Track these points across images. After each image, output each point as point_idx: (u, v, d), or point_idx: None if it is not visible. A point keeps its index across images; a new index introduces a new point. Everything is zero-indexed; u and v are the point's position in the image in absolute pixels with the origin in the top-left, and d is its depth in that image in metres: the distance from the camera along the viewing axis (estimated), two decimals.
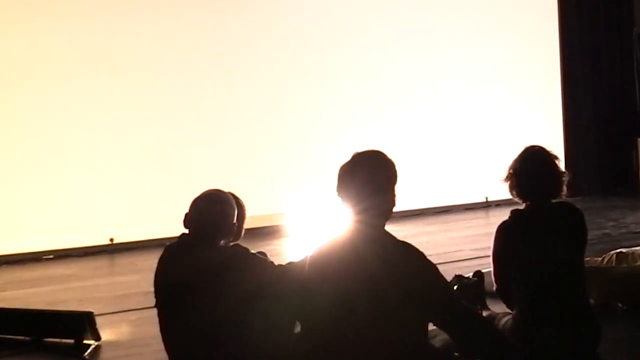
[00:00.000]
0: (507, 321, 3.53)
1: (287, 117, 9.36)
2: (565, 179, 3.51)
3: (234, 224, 3.15)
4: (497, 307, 3.85)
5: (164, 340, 3.08)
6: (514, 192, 3.53)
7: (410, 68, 10.01)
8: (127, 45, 8.59)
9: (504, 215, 3.59)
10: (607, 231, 7.59)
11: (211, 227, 3.05)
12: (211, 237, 3.05)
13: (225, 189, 3.21)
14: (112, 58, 8.51)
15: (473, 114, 10.31)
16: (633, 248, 4.98)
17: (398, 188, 2.72)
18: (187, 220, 3.09)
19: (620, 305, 4.64)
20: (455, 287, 4.21)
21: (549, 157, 3.51)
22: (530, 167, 3.47)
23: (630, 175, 10.38)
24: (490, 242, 3.54)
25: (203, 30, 8.99)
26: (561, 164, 3.57)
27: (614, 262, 4.76)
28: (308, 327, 2.78)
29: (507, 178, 3.54)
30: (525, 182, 3.48)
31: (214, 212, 3.07)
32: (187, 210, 3.12)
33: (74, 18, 8.42)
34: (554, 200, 3.52)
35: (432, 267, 2.67)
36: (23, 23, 8.24)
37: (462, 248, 7.14)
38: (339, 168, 2.75)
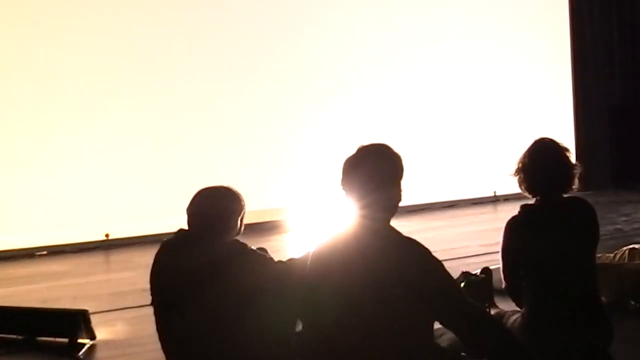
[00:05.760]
0: (515, 320, 3.47)
1: (288, 110, 9.36)
2: (577, 171, 3.43)
3: (238, 223, 3.11)
4: (506, 305, 3.81)
5: (160, 339, 3.05)
6: (524, 187, 3.45)
7: (414, 61, 9.98)
8: (125, 41, 8.61)
9: (512, 210, 3.53)
10: (619, 226, 7.56)
11: (211, 224, 3.02)
12: (210, 233, 3.01)
13: (224, 184, 3.18)
14: (110, 54, 8.54)
15: (481, 105, 10.33)
16: None
17: (404, 182, 2.69)
18: (188, 215, 3.06)
19: (632, 302, 4.58)
20: (462, 285, 4.17)
21: (560, 150, 3.43)
22: (541, 161, 3.40)
23: None
24: (498, 238, 3.48)
25: (203, 25, 8.99)
26: (572, 157, 3.47)
27: (626, 258, 4.73)
28: (310, 325, 2.74)
29: (517, 172, 3.46)
30: (535, 176, 3.41)
31: (216, 209, 3.04)
32: (186, 205, 3.09)
33: (73, 15, 8.42)
34: (565, 195, 3.45)
35: (438, 264, 2.64)
36: (22, 21, 8.23)
37: (469, 244, 7.11)
38: (343, 161, 2.71)
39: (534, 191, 3.44)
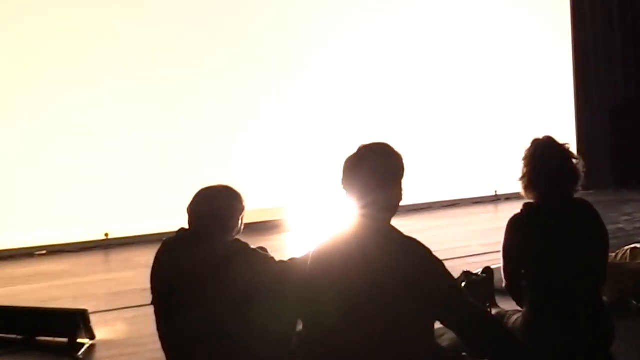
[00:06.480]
0: (517, 319, 3.45)
1: (288, 109, 9.34)
2: (583, 173, 3.39)
3: (240, 222, 3.10)
4: (507, 305, 3.78)
5: (160, 338, 3.04)
6: (531, 197, 3.39)
7: (415, 60, 9.96)
8: (124, 40, 8.60)
9: (513, 209, 3.50)
10: (620, 226, 7.52)
11: (213, 223, 3.01)
12: (211, 232, 3.00)
13: (224, 183, 3.17)
14: (109, 53, 8.54)
15: (482, 104, 10.31)
16: None
17: (405, 181, 2.68)
18: (188, 214, 3.05)
19: (634, 302, 4.56)
20: (463, 284, 4.13)
21: (568, 159, 3.36)
22: (551, 172, 3.33)
23: None
24: (499, 237, 3.44)
25: (202, 24, 8.96)
26: (574, 155, 3.43)
27: (628, 257, 4.70)
28: (311, 325, 2.72)
29: (525, 184, 3.39)
30: (544, 187, 3.34)
31: (217, 208, 3.03)
32: (186, 204, 3.08)
33: (71, 13, 8.38)
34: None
35: (438, 264, 2.62)
36: (21, 22, 8.21)
37: (470, 243, 7.08)
38: (344, 160, 2.70)
39: (541, 199, 3.40)
